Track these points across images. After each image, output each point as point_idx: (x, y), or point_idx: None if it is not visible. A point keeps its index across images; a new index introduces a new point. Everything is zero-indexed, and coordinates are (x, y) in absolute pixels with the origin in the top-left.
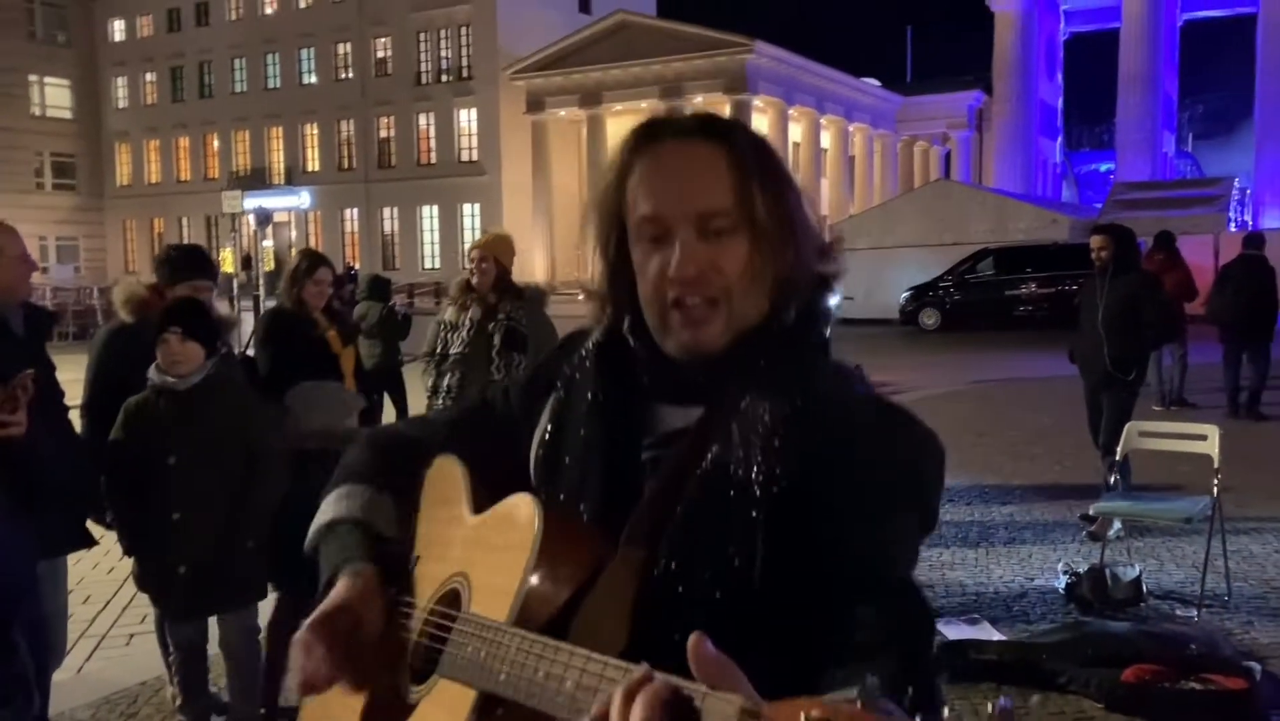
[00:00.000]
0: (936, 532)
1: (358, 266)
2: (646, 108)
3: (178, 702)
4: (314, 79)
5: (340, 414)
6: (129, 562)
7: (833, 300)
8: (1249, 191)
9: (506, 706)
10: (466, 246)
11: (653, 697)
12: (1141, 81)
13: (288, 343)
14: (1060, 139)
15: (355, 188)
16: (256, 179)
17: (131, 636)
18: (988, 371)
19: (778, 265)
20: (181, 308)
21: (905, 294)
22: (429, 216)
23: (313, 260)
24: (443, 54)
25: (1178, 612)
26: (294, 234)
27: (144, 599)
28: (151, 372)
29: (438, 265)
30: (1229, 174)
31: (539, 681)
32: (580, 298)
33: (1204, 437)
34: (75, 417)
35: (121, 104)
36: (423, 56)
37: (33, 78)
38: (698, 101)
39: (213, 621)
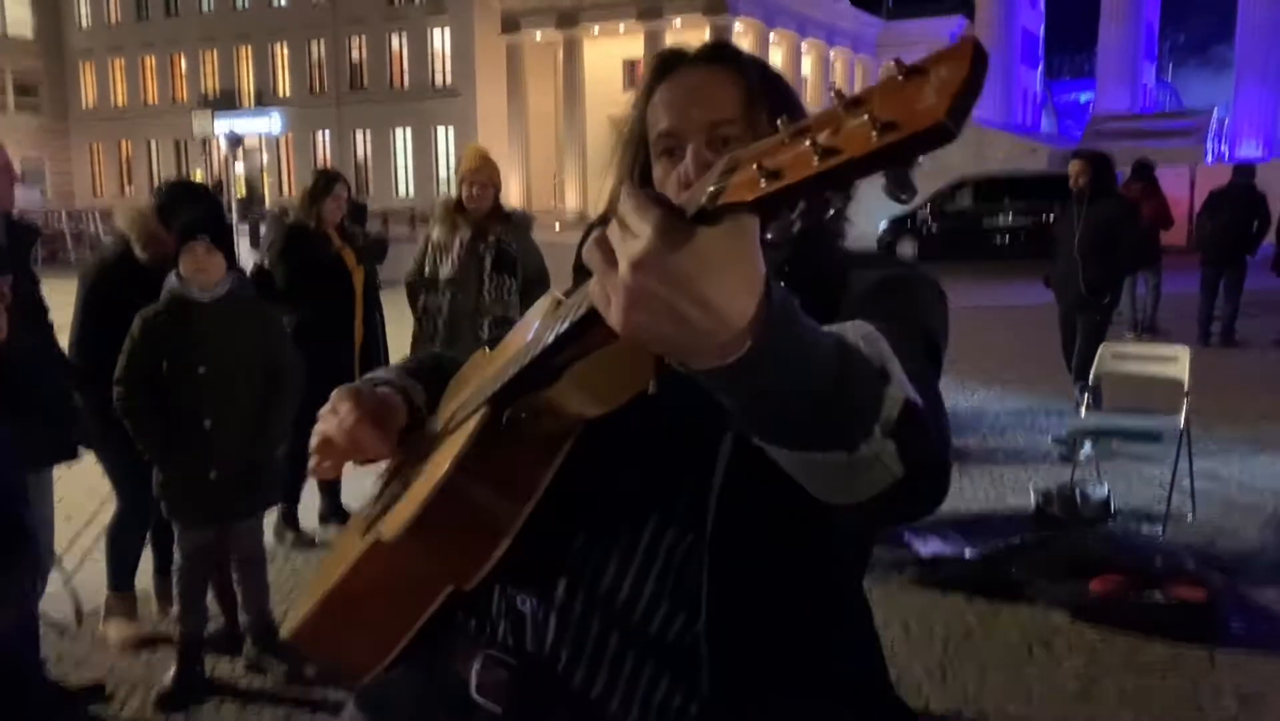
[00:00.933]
0: None
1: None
2: (624, 30)
3: (173, 613)
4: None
5: None
6: (107, 482)
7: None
8: (1226, 122)
9: (513, 407)
10: (442, 171)
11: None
12: (1123, 10)
13: (304, 257)
14: (1041, 67)
15: (327, 111)
16: (226, 101)
17: None
18: (963, 299)
19: None
20: (206, 217)
21: (883, 224)
22: (403, 140)
23: (329, 178)
24: None
25: (1144, 530)
26: (265, 158)
27: None
28: (173, 282)
29: (412, 191)
30: (1208, 105)
31: (539, 339)
32: (556, 229)
33: (1175, 360)
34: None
35: (85, 22)
36: None
37: None
38: (676, 24)
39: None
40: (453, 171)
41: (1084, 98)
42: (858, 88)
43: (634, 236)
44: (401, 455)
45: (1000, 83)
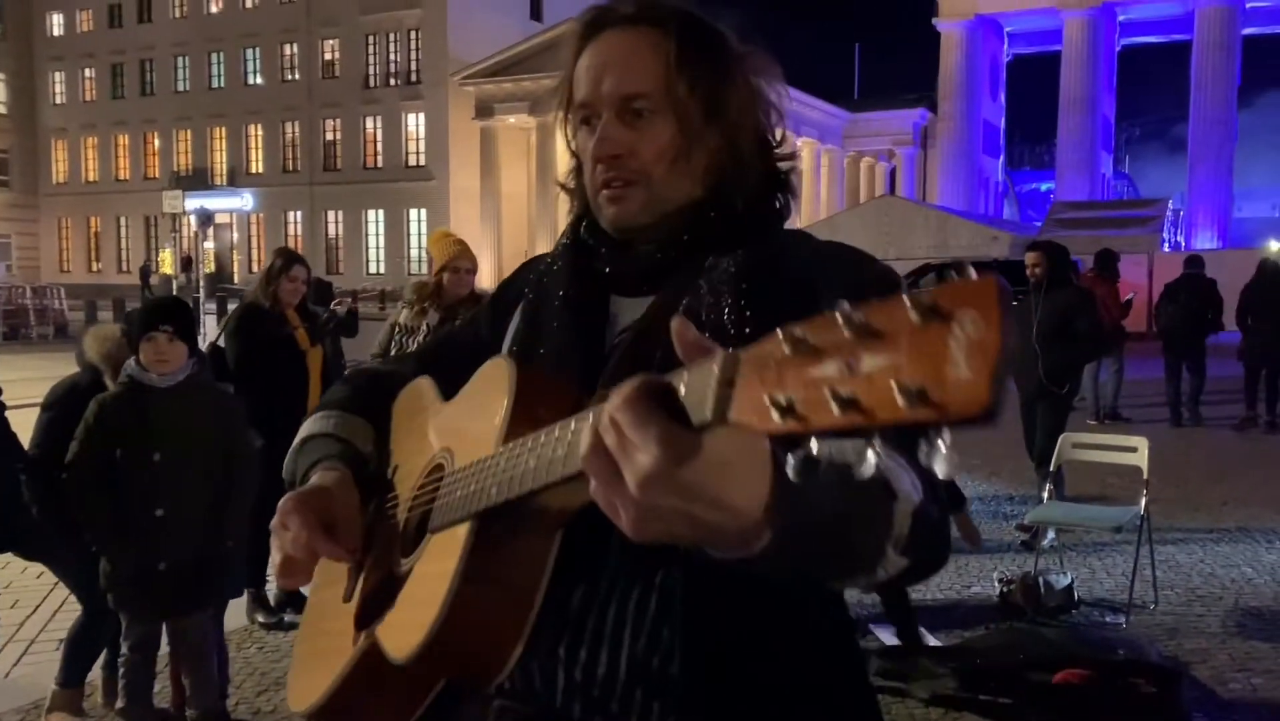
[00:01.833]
0: None
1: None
2: None
3: (118, 706)
4: (259, 79)
5: None
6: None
7: None
8: (1182, 213)
9: (504, 519)
10: (413, 251)
11: (629, 387)
12: (1081, 104)
13: (257, 336)
14: (1002, 158)
15: (300, 190)
16: (198, 179)
17: (60, 641)
18: None
19: (705, 151)
20: (170, 306)
21: None
22: (374, 221)
23: (288, 258)
24: (392, 57)
25: (1107, 620)
26: (236, 236)
27: (73, 603)
28: (131, 367)
29: (383, 270)
30: (1163, 195)
31: (530, 468)
32: None
33: (1134, 450)
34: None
35: (59, 99)
36: (371, 60)
37: None
38: None
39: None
40: (424, 251)
41: (1045, 187)
42: (824, 178)
43: (637, 450)
44: (368, 522)
45: (964, 172)
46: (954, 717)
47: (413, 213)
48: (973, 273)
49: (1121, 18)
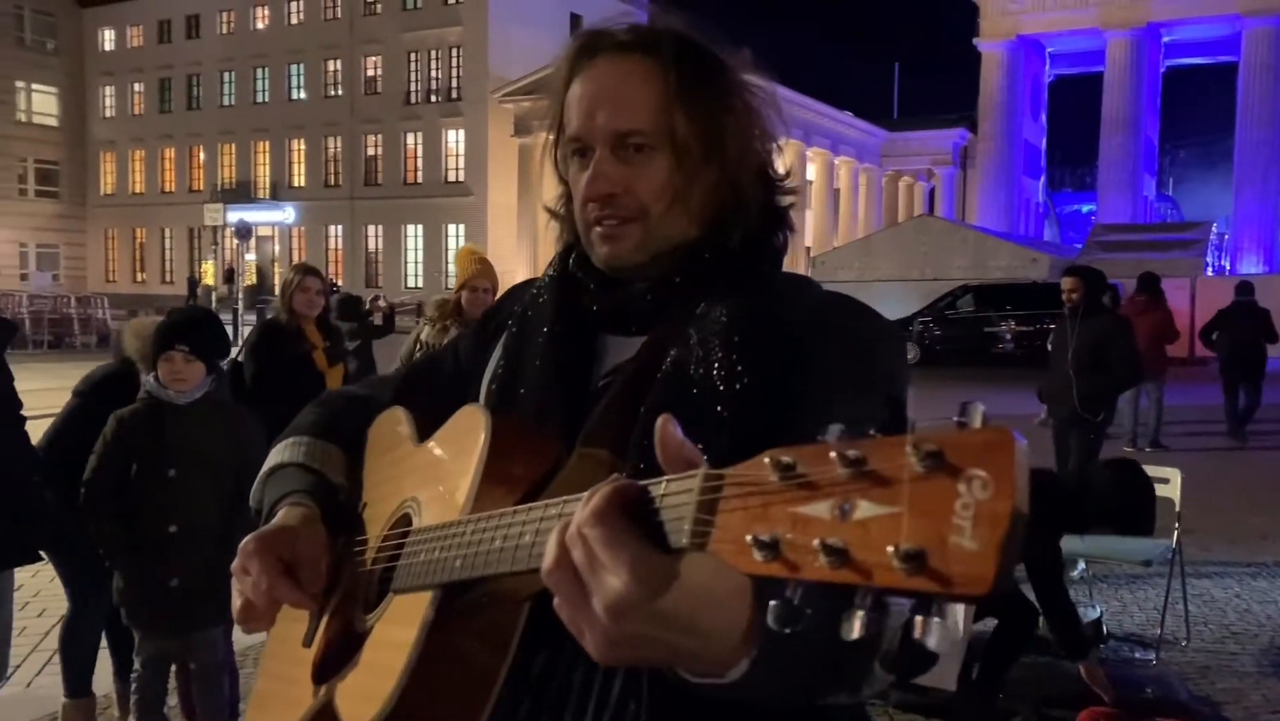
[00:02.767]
0: None
1: (340, 283)
2: None
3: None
4: (303, 95)
5: None
6: None
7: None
8: (1226, 236)
9: (468, 592)
10: (450, 265)
11: (602, 495)
12: (1123, 125)
13: (275, 354)
14: (1043, 179)
15: (340, 204)
16: (241, 192)
17: None
18: None
19: (704, 187)
20: (185, 325)
21: None
22: (414, 235)
23: (301, 271)
24: (433, 75)
25: (1137, 655)
26: (277, 249)
27: None
28: (150, 384)
29: (421, 284)
30: (1208, 218)
31: (496, 550)
32: None
33: (1166, 481)
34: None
35: (108, 113)
36: (412, 76)
37: (20, 84)
38: None
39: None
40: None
41: (1086, 208)
42: (861, 197)
43: (607, 572)
44: (334, 560)
45: (1003, 192)
46: None
47: (451, 228)
48: (979, 419)
49: (1166, 39)
